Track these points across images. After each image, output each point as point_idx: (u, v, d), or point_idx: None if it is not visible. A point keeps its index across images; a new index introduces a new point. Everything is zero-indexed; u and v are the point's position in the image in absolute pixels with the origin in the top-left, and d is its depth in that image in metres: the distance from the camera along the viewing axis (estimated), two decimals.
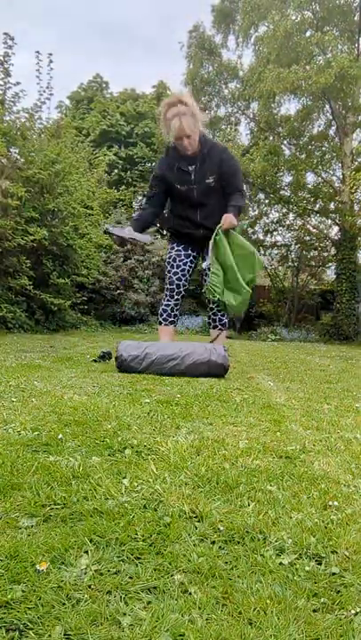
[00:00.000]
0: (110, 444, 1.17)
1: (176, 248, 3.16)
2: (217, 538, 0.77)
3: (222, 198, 3.04)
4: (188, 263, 3.19)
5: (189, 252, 3.19)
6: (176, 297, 3.15)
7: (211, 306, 3.26)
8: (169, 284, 3.16)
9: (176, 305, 3.17)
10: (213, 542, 0.76)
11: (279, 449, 1.27)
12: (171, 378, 2.56)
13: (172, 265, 3.15)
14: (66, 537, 0.73)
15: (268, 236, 13.67)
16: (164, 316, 3.17)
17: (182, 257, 3.15)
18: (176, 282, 3.13)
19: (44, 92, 7.28)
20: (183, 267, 3.15)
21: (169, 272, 3.17)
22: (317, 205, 11.95)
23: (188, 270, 3.19)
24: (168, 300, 3.15)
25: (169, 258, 3.19)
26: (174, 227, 3.19)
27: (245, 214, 13.13)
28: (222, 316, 3.29)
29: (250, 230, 13.29)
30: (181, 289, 3.16)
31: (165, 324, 3.17)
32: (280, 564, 0.71)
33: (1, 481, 0.91)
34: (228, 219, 2.92)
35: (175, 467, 1.06)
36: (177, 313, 3.22)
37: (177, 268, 3.15)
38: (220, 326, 3.28)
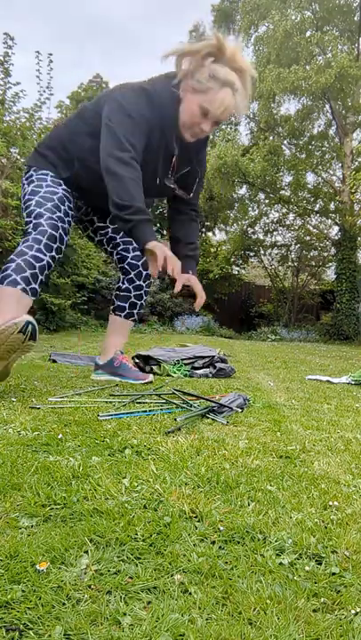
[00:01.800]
0: (110, 444, 1.17)
1: (64, 188, 1.98)
2: (217, 538, 0.77)
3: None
4: (71, 221, 2.01)
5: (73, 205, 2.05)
6: (57, 256, 1.88)
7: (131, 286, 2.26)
8: (50, 232, 1.84)
9: (50, 267, 1.85)
10: (213, 542, 0.76)
11: (279, 449, 1.27)
12: (171, 378, 2.57)
13: (57, 207, 1.91)
14: (66, 537, 0.73)
15: (268, 235, 13.67)
16: (36, 284, 1.79)
17: (70, 206, 1.98)
18: (60, 233, 1.88)
19: (44, 91, 7.29)
20: (68, 220, 1.95)
21: (45, 211, 1.87)
22: (317, 205, 11.96)
23: (69, 230, 1.99)
24: (44, 255, 1.81)
25: (51, 193, 1.93)
26: (87, 177, 1.98)
27: (245, 214, 13.14)
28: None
29: (250, 230, 13.29)
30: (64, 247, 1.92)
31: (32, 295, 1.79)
32: (280, 563, 0.71)
33: (1, 481, 0.91)
34: (201, 297, 1.91)
35: (175, 467, 1.06)
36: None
37: (63, 215, 1.92)
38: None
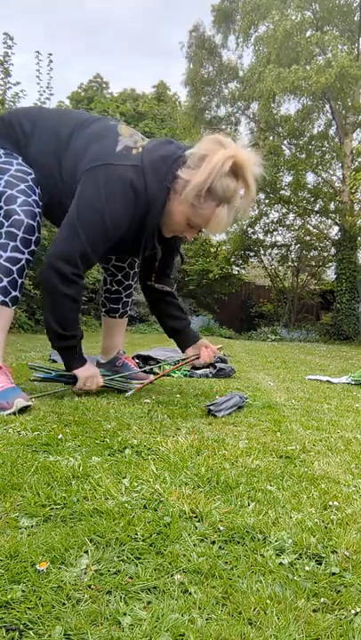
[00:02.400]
0: (110, 444, 1.17)
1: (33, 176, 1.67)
2: (217, 538, 0.77)
3: None
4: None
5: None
6: (36, 248, 1.64)
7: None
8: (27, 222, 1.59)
9: (29, 265, 1.63)
10: (213, 542, 0.76)
11: (279, 449, 1.27)
12: (171, 378, 2.57)
13: (32, 189, 1.63)
14: (66, 537, 0.73)
15: (268, 235, 13.67)
16: (17, 290, 1.61)
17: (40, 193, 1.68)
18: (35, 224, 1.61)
19: (44, 91, 7.29)
20: (41, 204, 1.68)
21: (19, 193, 1.60)
22: (317, 205, 11.96)
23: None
24: (22, 253, 1.58)
25: (24, 173, 1.65)
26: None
27: (245, 214, 13.16)
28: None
29: (250, 230, 13.29)
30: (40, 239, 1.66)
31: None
32: (280, 563, 0.71)
33: (1, 481, 0.91)
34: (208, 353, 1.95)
35: (175, 467, 1.06)
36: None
37: (39, 199, 1.65)
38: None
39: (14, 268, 1.56)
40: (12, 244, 1.55)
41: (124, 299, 2.20)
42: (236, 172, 1.53)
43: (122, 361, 2.27)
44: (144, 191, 1.58)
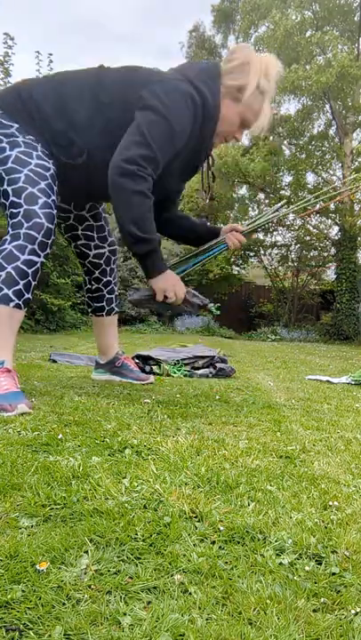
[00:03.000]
0: (110, 444, 1.17)
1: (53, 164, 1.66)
2: (217, 538, 0.77)
3: None
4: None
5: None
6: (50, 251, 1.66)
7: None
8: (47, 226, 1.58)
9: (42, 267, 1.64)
10: (213, 542, 0.76)
11: (279, 449, 1.27)
12: (171, 378, 2.57)
13: (51, 188, 1.61)
14: (66, 537, 0.73)
15: (268, 235, 13.67)
16: (30, 292, 1.61)
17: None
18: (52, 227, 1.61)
19: None
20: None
21: (39, 192, 1.57)
22: (317, 205, 11.95)
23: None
24: (38, 256, 1.58)
25: (43, 168, 1.61)
26: (83, 174, 1.72)
27: (245, 214, 13.16)
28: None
29: None
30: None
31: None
32: (280, 563, 0.71)
33: (1, 481, 0.91)
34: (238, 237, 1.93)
35: (175, 467, 1.06)
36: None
37: (56, 199, 1.63)
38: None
39: (30, 271, 1.56)
40: (29, 246, 1.54)
41: (107, 295, 2.18)
42: (267, 73, 1.71)
43: (121, 361, 2.27)
44: (201, 103, 1.64)
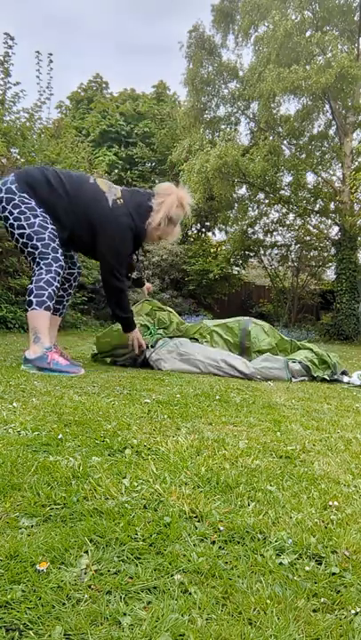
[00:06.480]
0: (110, 444, 1.17)
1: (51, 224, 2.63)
2: (217, 538, 0.77)
3: None
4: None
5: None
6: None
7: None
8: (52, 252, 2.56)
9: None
10: (213, 542, 0.76)
11: (279, 449, 1.27)
12: (171, 378, 2.57)
13: (56, 239, 2.60)
14: (66, 537, 0.73)
15: (268, 235, 13.66)
16: (52, 301, 2.56)
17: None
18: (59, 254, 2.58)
19: (44, 91, 7.29)
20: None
21: (45, 230, 2.55)
22: (317, 205, 11.95)
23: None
24: (57, 280, 2.56)
25: (52, 230, 2.60)
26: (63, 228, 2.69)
27: (245, 214, 13.16)
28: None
29: (250, 230, 13.29)
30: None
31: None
32: (280, 563, 0.71)
33: (1, 481, 0.91)
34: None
35: (175, 467, 1.06)
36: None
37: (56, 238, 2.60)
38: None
39: (55, 290, 2.55)
40: (57, 277, 2.55)
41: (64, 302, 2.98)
42: (181, 203, 2.77)
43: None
44: (135, 228, 2.71)
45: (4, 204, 2.54)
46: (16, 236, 2.55)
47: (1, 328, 5.68)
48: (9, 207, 2.53)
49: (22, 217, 2.52)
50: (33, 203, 2.55)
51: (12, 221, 2.53)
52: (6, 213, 2.54)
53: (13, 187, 2.55)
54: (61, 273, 2.57)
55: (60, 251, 2.58)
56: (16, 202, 2.53)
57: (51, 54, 7.35)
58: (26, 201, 2.55)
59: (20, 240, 2.55)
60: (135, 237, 2.72)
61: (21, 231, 2.52)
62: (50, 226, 2.58)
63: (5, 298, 5.97)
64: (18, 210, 2.52)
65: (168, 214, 2.71)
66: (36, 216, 2.54)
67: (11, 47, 6.84)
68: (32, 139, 6.93)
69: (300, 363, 3.00)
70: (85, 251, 2.84)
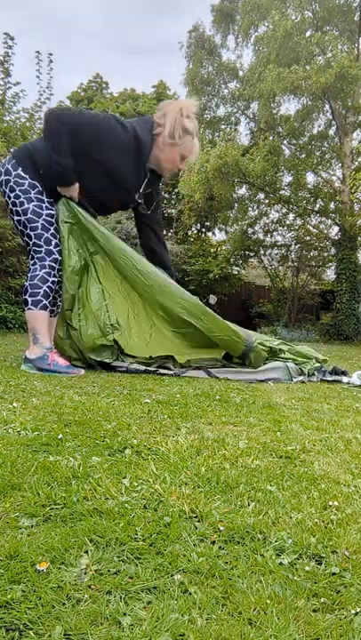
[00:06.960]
0: (110, 444, 1.17)
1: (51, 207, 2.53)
2: (217, 538, 0.77)
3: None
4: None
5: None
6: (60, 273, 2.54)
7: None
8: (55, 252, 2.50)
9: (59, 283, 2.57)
10: (213, 542, 0.76)
11: (279, 449, 1.27)
12: (170, 377, 2.57)
13: (52, 224, 2.50)
14: (66, 537, 0.73)
15: (268, 235, 13.65)
16: (48, 299, 2.49)
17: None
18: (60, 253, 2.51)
19: (44, 91, 7.29)
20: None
21: (51, 236, 2.49)
22: (317, 205, 11.94)
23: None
24: (55, 277, 2.50)
25: (47, 216, 2.49)
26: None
27: (245, 214, 13.17)
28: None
29: (250, 230, 13.28)
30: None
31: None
32: (280, 563, 0.71)
33: (1, 481, 0.91)
34: None
35: (175, 467, 1.06)
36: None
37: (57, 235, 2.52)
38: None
39: (54, 287, 2.50)
40: (52, 272, 2.49)
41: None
42: (186, 114, 2.50)
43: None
44: (134, 131, 2.44)
45: (3, 187, 2.49)
46: (14, 222, 2.53)
47: (1, 328, 5.68)
48: (7, 190, 2.48)
49: (17, 201, 2.46)
50: (27, 182, 2.43)
51: (10, 206, 2.50)
52: (5, 197, 2.50)
53: (9, 165, 2.48)
54: (56, 266, 2.46)
55: (53, 241, 2.46)
56: (11, 184, 2.46)
57: (51, 54, 7.36)
58: (20, 181, 2.44)
59: (18, 227, 2.52)
60: (137, 150, 2.45)
61: (18, 217, 2.48)
62: (44, 212, 2.46)
63: (5, 298, 5.97)
64: (14, 193, 2.47)
65: (181, 124, 2.46)
66: (30, 200, 2.43)
67: (11, 47, 6.84)
68: (32, 139, 6.93)
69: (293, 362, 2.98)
70: (105, 189, 2.55)
